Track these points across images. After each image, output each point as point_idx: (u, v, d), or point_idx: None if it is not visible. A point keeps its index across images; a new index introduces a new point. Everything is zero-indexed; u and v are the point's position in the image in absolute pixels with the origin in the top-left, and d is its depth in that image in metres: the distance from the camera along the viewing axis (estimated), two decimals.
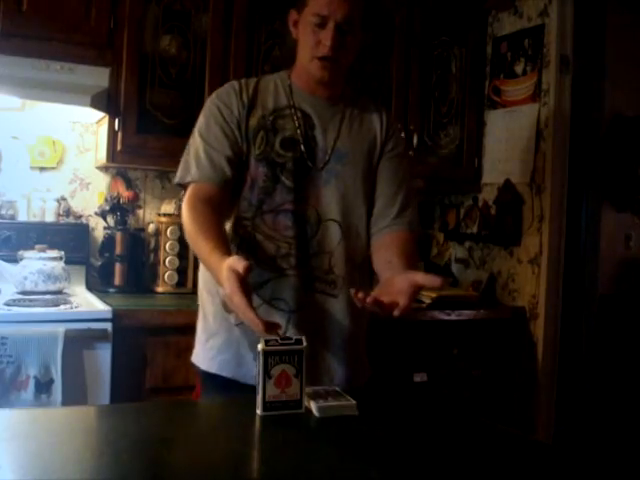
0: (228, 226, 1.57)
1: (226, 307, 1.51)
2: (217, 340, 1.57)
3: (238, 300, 1.23)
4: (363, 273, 1.65)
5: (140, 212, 2.87)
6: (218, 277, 1.32)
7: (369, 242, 1.64)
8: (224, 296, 1.34)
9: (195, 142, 1.57)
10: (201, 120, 1.59)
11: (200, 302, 1.66)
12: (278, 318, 1.48)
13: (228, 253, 1.37)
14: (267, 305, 1.53)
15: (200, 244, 1.43)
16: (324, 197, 1.58)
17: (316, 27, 1.52)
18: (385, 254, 1.57)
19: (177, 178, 1.58)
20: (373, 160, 1.66)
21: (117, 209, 2.71)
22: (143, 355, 2.23)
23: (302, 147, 1.57)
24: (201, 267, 1.64)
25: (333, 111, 1.63)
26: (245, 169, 1.56)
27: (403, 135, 1.79)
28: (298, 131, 1.58)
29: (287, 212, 1.55)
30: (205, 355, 1.60)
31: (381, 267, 1.56)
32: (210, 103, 1.61)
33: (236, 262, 1.25)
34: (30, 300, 2.29)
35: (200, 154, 1.54)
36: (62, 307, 2.20)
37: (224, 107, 1.57)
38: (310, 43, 1.54)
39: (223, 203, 1.53)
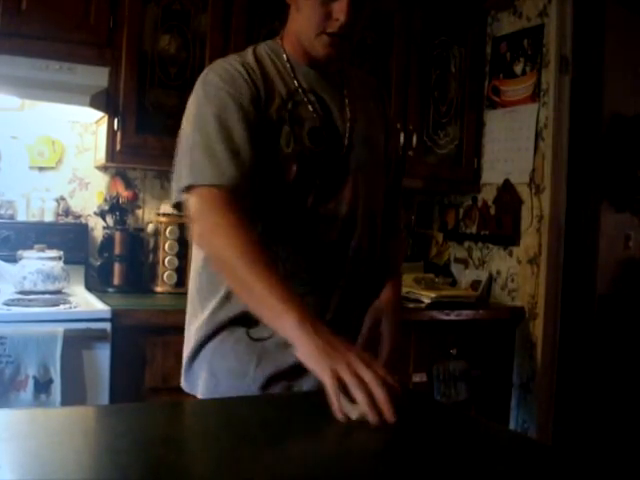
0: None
1: (251, 337, 1.34)
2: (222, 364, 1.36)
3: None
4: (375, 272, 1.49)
5: (139, 212, 2.87)
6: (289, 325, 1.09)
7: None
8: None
9: (207, 136, 1.27)
10: (207, 110, 1.29)
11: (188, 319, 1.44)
12: None
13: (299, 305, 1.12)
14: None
15: (256, 283, 1.15)
16: (355, 188, 1.39)
17: None
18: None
19: (184, 181, 1.26)
20: (386, 146, 1.50)
21: (116, 209, 2.70)
22: (142, 355, 2.23)
23: (325, 135, 1.36)
24: (194, 275, 1.42)
25: (337, 87, 1.44)
26: (269, 167, 1.32)
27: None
28: (317, 118, 1.37)
29: (322, 215, 1.35)
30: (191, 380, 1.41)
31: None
32: (215, 89, 1.30)
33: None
34: (29, 300, 2.28)
35: (217, 149, 1.25)
36: (61, 307, 2.20)
37: (236, 94, 1.29)
38: (318, 16, 1.30)
39: (249, 208, 1.27)
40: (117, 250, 2.67)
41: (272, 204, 1.33)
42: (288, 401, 1.26)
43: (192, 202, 1.26)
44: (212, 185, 1.24)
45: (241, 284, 1.20)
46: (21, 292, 2.42)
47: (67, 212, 2.76)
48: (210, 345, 1.38)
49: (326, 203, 1.35)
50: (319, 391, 1.07)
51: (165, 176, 2.88)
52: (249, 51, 1.40)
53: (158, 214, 2.78)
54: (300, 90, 1.37)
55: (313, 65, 1.39)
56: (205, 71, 1.37)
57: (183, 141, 1.32)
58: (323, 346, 1.05)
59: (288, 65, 1.38)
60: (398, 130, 1.61)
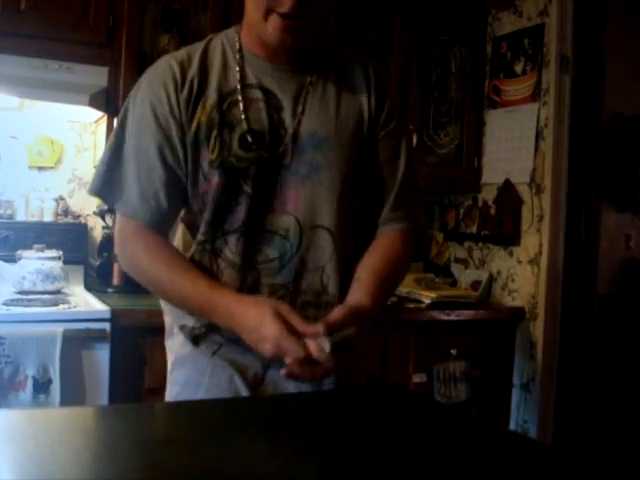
0: (188, 254, 1.25)
1: (196, 342, 1.28)
2: (181, 372, 1.29)
3: (288, 344, 1.05)
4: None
5: None
6: (234, 321, 1.12)
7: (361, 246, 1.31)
8: (262, 344, 1.09)
9: (125, 155, 1.22)
10: (130, 124, 1.24)
11: (167, 330, 1.37)
12: (250, 359, 1.22)
13: (230, 290, 1.17)
14: (234, 345, 1.21)
15: (182, 285, 1.20)
16: (304, 199, 1.21)
17: None
18: (361, 265, 1.25)
19: (94, 189, 1.24)
20: (361, 141, 1.26)
21: None
22: (142, 355, 2.22)
23: (267, 139, 1.19)
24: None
25: (300, 82, 1.23)
26: (197, 179, 1.21)
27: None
28: (260, 117, 1.20)
29: (254, 231, 1.21)
30: (168, 392, 1.32)
31: (352, 282, 1.23)
32: (140, 99, 1.24)
33: (280, 306, 1.08)
34: (28, 300, 2.28)
35: (129, 178, 1.21)
36: (60, 307, 2.19)
37: (158, 104, 1.20)
38: None
39: (166, 232, 1.27)
40: None
41: (204, 215, 1.22)
42: (288, 402, 1.26)
43: (117, 219, 1.29)
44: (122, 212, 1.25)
45: (170, 295, 1.29)
46: (20, 292, 2.41)
47: (66, 212, 2.76)
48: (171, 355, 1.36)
49: (265, 217, 1.21)
50: (319, 392, 1.06)
51: None
52: (204, 41, 1.27)
53: None
54: (245, 86, 1.21)
55: (271, 57, 1.22)
56: (149, 68, 1.30)
57: (112, 137, 1.26)
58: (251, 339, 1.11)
59: (239, 57, 1.22)
60: (399, 129, 1.32)
